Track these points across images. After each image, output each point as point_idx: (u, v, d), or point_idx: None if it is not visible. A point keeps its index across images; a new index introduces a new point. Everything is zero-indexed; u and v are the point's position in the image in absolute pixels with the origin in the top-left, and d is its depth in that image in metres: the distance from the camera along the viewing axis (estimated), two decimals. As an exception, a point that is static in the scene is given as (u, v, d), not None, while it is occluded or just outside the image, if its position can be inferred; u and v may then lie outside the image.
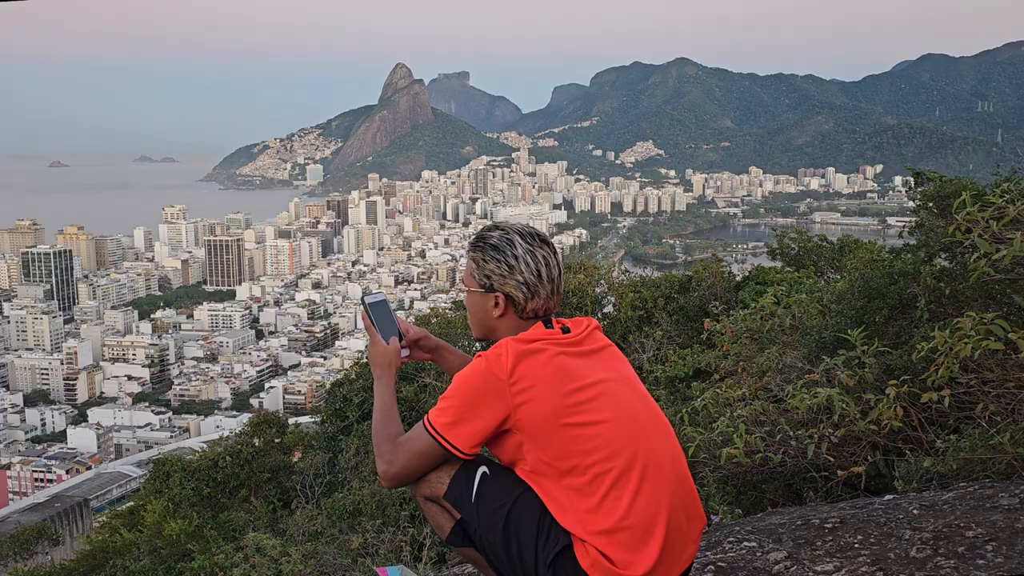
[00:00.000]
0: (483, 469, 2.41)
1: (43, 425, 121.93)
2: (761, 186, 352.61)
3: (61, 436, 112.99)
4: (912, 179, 7.81)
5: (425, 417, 2.39)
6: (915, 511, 3.54)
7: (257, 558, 7.49)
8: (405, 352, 2.68)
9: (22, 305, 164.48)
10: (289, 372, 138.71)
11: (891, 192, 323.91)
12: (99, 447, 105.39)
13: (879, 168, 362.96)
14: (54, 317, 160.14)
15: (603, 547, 2.26)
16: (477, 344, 13.06)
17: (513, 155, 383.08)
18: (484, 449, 2.43)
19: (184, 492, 16.27)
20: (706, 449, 4.72)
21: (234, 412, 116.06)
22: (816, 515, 3.69)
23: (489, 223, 2.59)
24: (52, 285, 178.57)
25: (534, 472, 2.35)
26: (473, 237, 2.54)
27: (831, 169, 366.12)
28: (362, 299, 2.72)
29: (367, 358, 2.75)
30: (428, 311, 24.79)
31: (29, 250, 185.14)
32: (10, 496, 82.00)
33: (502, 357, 2.31)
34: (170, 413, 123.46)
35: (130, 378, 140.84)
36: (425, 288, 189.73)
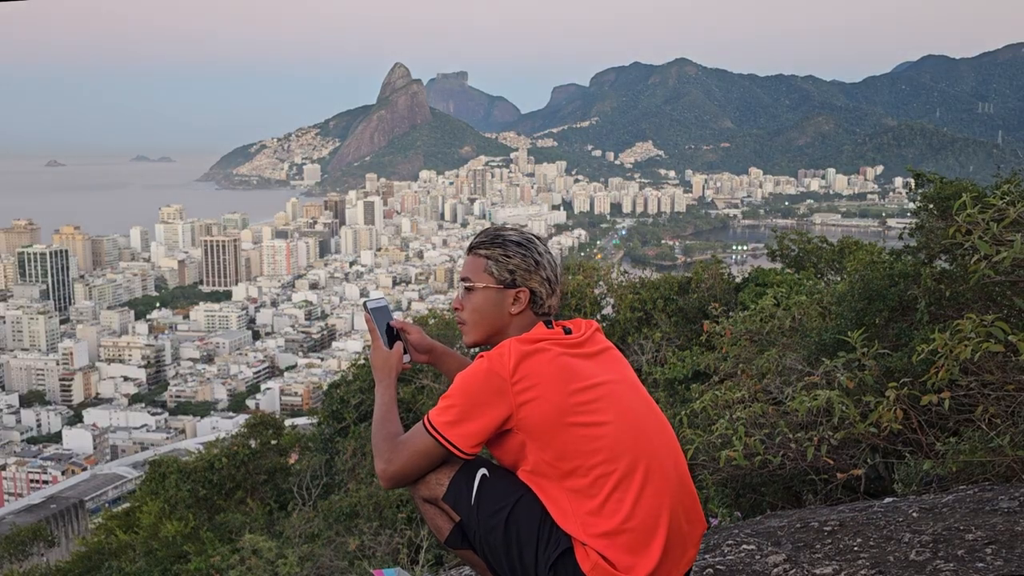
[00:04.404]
0: (483, 471, 2.40)
1: (38, 426, 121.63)
2: (761, 187, 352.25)
3: (56, 437, 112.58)
4: (912, 180, 7.79)
5: (425, 417, 2.38)
6: (915, 514, 3.54)
7: (253, 560, 7.48)
8: (407, 358, 2.68)
9: (18, 305, 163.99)
10: (286, 373, 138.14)
11: (891, 193, 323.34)
12: (95, 448, 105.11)
13: (879, 169, 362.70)
14: (50, 317, 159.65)
15: (604, 550, 2.25)
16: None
17: (512, 155, 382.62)
18: (484, 451, 2.42)
19: (180, 494, 16.25)
20: (705, 451, 4.71)
21: (230, 413, 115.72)
22: (815, 518, 3.68)
23: (487, 226, 2.59)
24: (48, 285, 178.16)
25: (535, 473, 2.34)
26: (480, 236, 2.54)
27: (831, 170, 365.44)
28: (364, 304, 2.73)
29: (364, 360, 2.75)
30: (426, 312, 24.78)
31: (25, 250, 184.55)
32: (5, 497, 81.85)
33: (504, 356, 2.30)
34: (166, 414, 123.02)
35: (126, 379, 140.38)
36: (423, 289, 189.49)
